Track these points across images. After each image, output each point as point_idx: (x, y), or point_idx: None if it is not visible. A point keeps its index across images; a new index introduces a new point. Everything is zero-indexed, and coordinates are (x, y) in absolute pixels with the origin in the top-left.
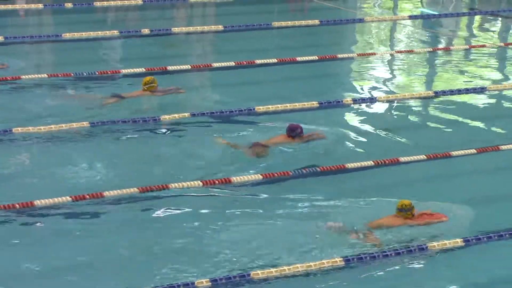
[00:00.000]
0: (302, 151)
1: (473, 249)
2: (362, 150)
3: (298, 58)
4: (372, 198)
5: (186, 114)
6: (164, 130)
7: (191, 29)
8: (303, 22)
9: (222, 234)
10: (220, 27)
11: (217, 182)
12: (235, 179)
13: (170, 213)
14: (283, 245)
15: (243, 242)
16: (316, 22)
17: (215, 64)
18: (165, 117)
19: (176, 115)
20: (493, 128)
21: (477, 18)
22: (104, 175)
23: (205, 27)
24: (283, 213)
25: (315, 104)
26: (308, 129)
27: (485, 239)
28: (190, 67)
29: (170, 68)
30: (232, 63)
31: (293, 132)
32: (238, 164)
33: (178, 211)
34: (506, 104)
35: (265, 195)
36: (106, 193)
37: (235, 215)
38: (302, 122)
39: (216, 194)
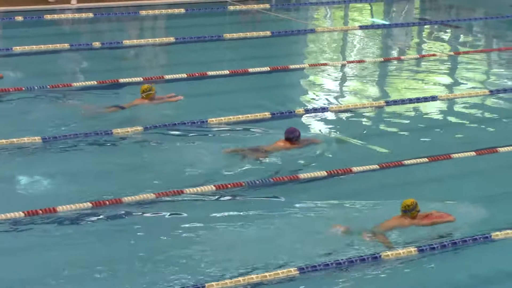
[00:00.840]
0: (300, 155)
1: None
2: (311, 160)
3: (250, 69)
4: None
5: (139, 128)
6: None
7: (142, 41)
8: (255, 34)
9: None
10: (172, 39)
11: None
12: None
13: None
14: (288, 248)
15: (248, 244)
16: (268, 33)
17: (167, 76)
18: (117, 131)
19: (129, 129)
20: (445, 136)
21: (427, 27)
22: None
23: (157, 39)
24: (286, 216)
25: (267, 115)
26: (302, 135)
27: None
28: (142, 79)
29: (121, 80)
30: (184, 75)
31: (292, 135)
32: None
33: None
34: (457, 112)
35: (268, 199)
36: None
37: (241, 218)
38: (256, 133)
39: (228, 198)
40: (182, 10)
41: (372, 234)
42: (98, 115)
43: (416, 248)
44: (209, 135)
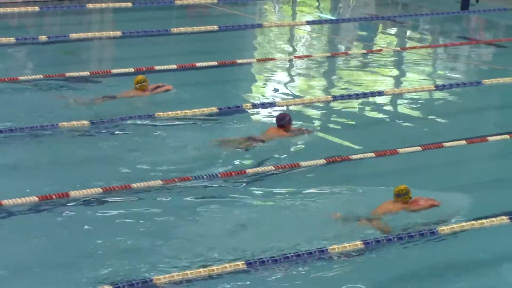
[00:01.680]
0: (292, 144)
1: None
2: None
3: (198, 64)
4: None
5: (85, 122)
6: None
7: (89, 35)
8: (202, 28)
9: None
10: (119, 33)
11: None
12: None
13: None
14: (284, 235)
15: (243, 230)
16: (215, 27)
17: (114, 71)
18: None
19: (75, 122)
20: (392, 131)
21: (374, 23)
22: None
23: (103, 33)
24: (282, 203)
25: (214, 109)
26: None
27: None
28: (88, 73)
29: (68, 74)
30: (131, 69)
31: (282, 121)
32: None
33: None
34: (403, 107)
35: (258, 187)
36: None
37: (236, 205)
38: (202, 127)
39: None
40: (129, 4)
41: (368, 220)
42: (89, 105)
43: (362, 242)
44: (160, 129)
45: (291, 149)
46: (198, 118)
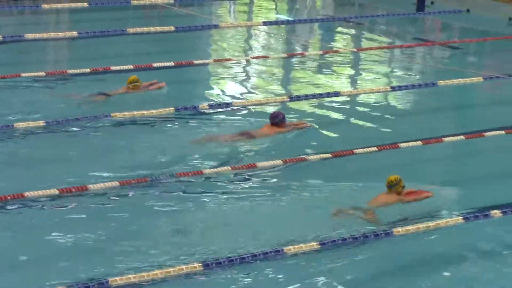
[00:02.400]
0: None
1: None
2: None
3: (154, 64)
4: None
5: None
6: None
7: (45, 35)
8: (159, 29)
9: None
10: (75, 33)
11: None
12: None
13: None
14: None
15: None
16: (172, 28)
17: (70, 71)
18: None
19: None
20: (348, 132)
21: (331, 24)
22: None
23: (59, 33)
24: (281, 198)
25: (171, 110)
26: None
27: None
28: (44, 73)
29: (23, 75)
30: (88, 70)
31: (276, 119)
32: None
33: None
34: (360, 108)
35: (256, 184)
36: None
37: (231, 201)
38: (161, 129)
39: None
40: (85, 4)
41: (363, 212)
42: (83, 102)
43: (318, 242)
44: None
45: (284, 144)
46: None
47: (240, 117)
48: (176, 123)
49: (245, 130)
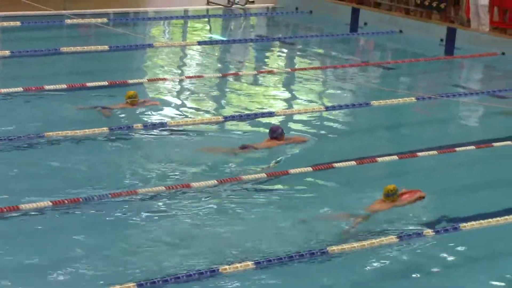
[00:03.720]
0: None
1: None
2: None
3: (88, 84)
4: None
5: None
6: None
7: None
8: (93, 48)
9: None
10: (7, 53)
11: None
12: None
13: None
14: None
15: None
16: (106, 47)
17: (2, 90)
18: None
19: None
20: (282, 152)
21: (265, 44)
22: None
23: None
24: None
25: (105, 130)
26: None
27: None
28: None
29: None
30: (20, 89)
31: (275, 133)
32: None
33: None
34: (294, 128)
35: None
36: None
37: (232, 211)
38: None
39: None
40: (18, 23)
41: (362, 218)
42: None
43: (252, 262)
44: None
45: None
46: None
47: (175, 137)
48: (113, 143)
49: (247, 144)
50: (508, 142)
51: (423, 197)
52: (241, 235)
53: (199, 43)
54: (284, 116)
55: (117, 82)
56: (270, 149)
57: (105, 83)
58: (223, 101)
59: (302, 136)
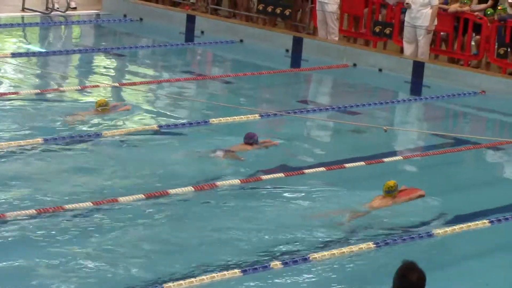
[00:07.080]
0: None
1: None
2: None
3: None
4: None
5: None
6: None
7: None
8: None
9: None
10: None
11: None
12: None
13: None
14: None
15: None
16: None
17: None
18: None
19: None
20: (111, 178)
21: (90, 55)
22: None
23: None
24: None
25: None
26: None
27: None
28: None
29: None
30: None
31: (251, 140)
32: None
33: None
34: (124, 150)
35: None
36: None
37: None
38: None
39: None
40: None
41: (361, 213)
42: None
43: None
44: None
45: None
46: None
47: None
48: None
49: (222, 148)
50: (362, 163)
51: (423, 196)
52: (227, 242)
53: (13, 55)
54: (112, 137)
55: None
56: (245, 152)
57: None
58: (42, 121)
59: (272, 140)
